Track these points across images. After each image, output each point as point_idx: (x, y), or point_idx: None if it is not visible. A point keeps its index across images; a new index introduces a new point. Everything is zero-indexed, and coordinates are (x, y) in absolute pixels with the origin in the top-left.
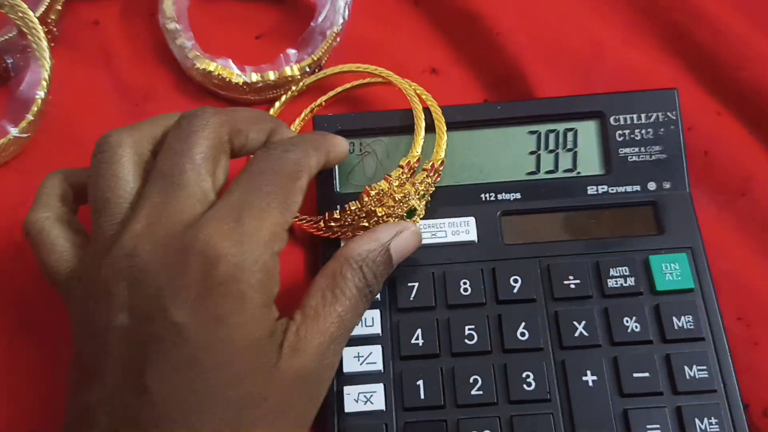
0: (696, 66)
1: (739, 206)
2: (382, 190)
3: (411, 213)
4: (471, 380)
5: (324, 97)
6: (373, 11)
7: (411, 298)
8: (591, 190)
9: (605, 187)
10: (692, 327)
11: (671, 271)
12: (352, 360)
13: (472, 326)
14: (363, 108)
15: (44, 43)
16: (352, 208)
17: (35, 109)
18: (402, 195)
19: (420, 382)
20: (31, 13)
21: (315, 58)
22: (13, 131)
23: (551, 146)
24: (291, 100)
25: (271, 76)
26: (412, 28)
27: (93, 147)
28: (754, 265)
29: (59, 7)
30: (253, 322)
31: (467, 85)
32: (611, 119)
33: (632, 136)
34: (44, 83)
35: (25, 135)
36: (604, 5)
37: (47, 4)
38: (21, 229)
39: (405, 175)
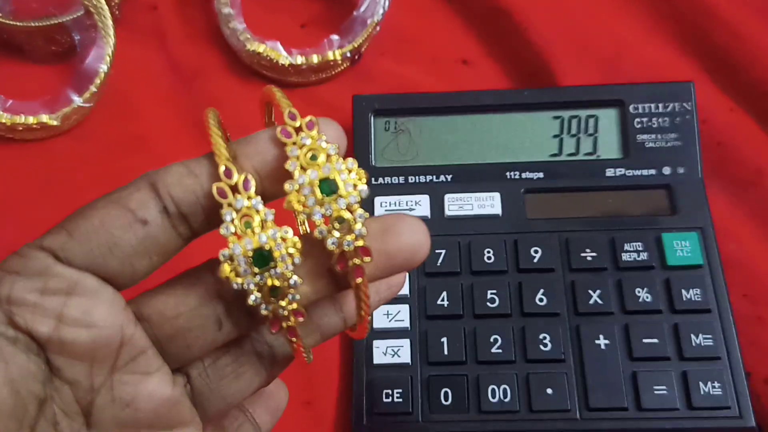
0: (712, 65)
1: (750, 196)
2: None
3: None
4: (491, 339)
5: None
6: (411, 4)
7: (438, 264)
8: (609, 172)
9: (623, 170)
10: (700, 299)
11: (682, 248)
12: (382, 317)
13: (494, 291)
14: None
15: (109, 22)
16: None
17: (98, 81)
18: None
19: (444, 340)
20: None
21: (355, 45)
22: (78, 101)
23: (573, 131)
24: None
25: (315, 59)
26: (446, 22)
27: (146, 120)
28: (763, 250)
29: None
30: None
31: (496, 76)
32: (630, 107)
33: (650, 123)
34: (108, 58)
35: (88, 105)
36: (628, 5)
37: None
38: (75, 191)
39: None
